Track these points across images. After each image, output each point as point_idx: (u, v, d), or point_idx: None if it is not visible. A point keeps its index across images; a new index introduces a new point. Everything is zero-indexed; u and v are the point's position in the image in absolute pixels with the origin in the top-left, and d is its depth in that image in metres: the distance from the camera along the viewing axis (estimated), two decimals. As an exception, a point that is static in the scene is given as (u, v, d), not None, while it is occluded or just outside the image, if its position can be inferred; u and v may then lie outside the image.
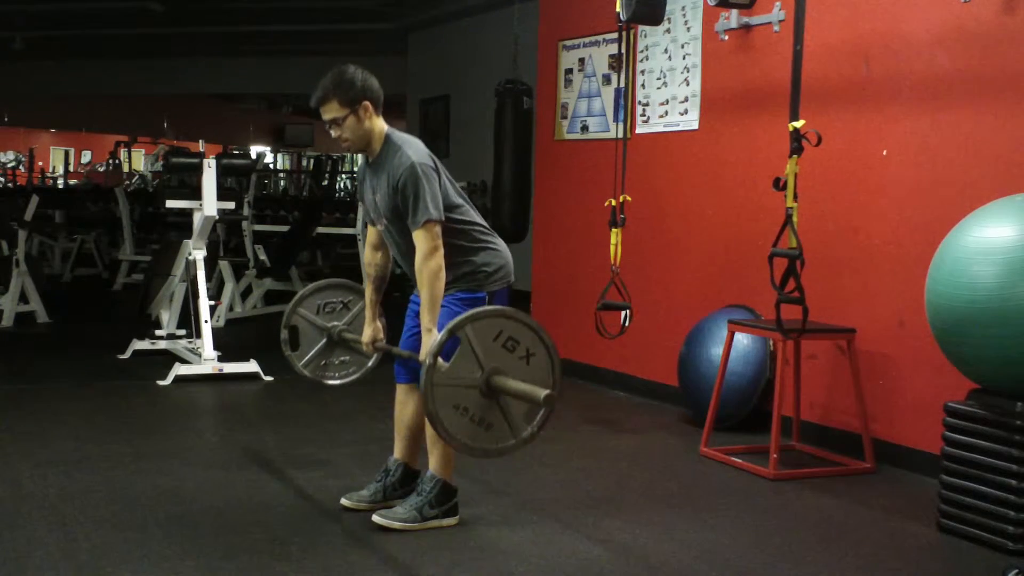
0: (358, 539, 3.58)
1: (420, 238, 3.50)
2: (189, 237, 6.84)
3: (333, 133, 3.64)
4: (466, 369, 3.10)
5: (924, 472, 4.38)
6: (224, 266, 9.11)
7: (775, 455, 4.45)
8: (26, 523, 3.64)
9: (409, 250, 3.58)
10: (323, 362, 4.32)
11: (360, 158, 3.80)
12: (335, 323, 4.29)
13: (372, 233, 3.85)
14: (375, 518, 3.64)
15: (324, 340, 4.29)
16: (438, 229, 3.51)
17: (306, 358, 4.29)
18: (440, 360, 3.08)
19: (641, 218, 5.84)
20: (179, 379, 6.24)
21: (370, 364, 4.35)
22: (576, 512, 3.92)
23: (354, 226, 10.27)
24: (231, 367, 6.42)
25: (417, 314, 3.69)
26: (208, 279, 6.99)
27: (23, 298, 8.59)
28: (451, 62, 13.39)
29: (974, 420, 3.71)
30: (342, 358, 4.34)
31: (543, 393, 3.00)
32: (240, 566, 3.29)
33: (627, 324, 5.35)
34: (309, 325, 4.29)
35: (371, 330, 3.95)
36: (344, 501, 3.85)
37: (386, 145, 3.66)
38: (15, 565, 3.23)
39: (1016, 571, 3.16)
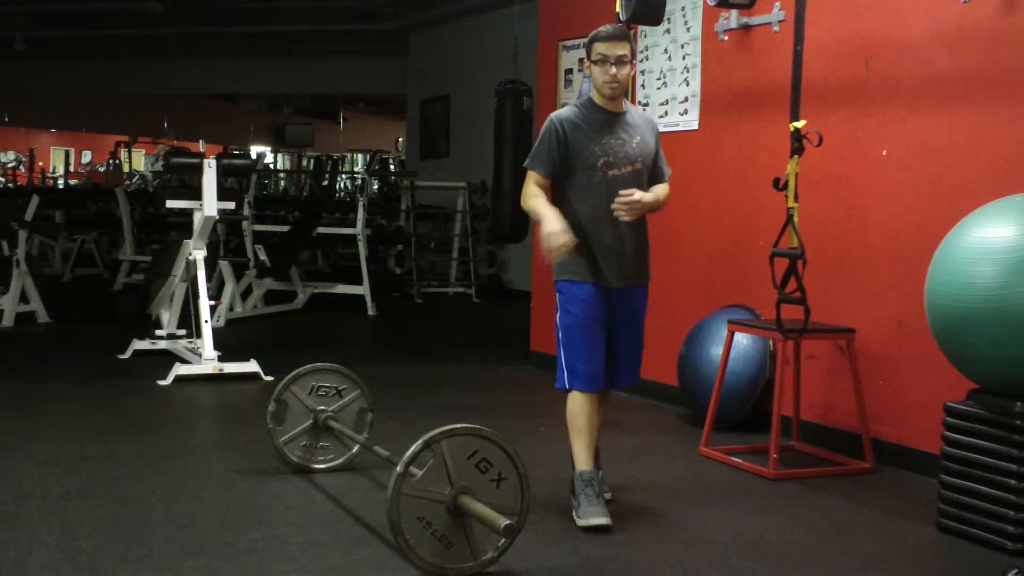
0: (358, 539, 3.58)
1: (666, 184, 3.97)
2: (189, 237, 6.84)
3: (611, 71, 3.78)
4: (436, 483, 3.12)
5: (924, 472, 4.39)
6: (224, 266, 9.12)
7: (775, 455, 4.45)
8: (26, 523, 3.64)
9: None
10: (304, 443, 4.33)
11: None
12: (323, 408, 4.31)
13: (543, 181, 3.87)
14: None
15: (309, 422, 4.30)
16: None
17: (287, 435, 4.30)
18: (412, 469, 3.12)
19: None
20: (179, 379, 6.25)
21: (353, 451, 4.36)
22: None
23: (354, 226, 10.28)
24: (231, 367, 6.42)
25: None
26: (208, 279, 7.00)
27: (23, 298, 8.60)
28: (451, 62, 13.41)
29: (974, 420, 3.71)
30: (323, 444, 4.36)
31: (503, 522, 3.01)
32: (240, 566, 3.29)
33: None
34: (299, 403, 4.31)
35: (568, 233, 3.75)
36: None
37: (626, 103, 3.95)
38: (15, 565, 3.23)
39: (1016, 571, 3.16)
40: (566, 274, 3.87)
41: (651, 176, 3.93)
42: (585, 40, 3.97)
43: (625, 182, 3.80)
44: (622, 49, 3.79)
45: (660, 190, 3.91)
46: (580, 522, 3.71)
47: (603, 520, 3.68)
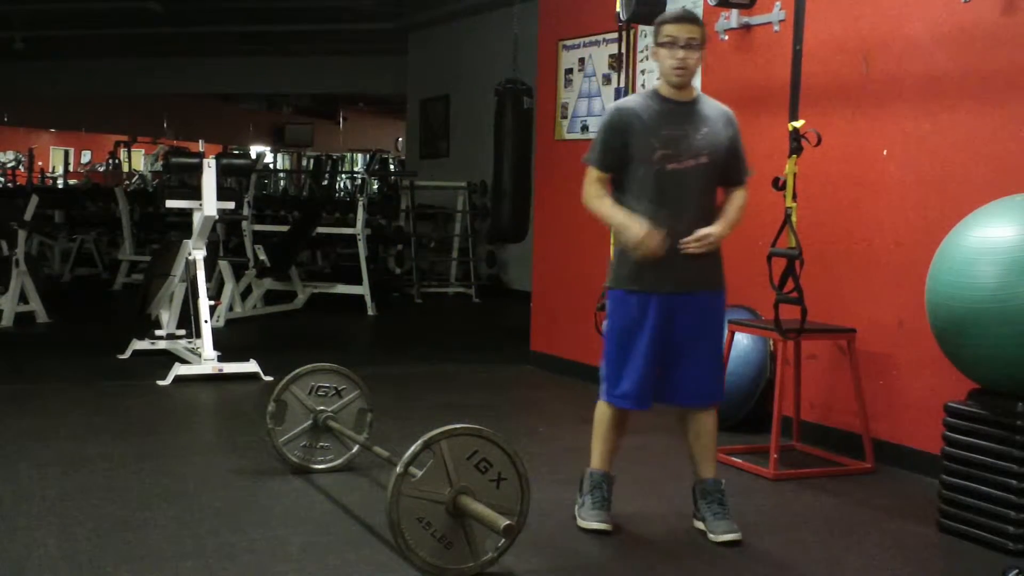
0: (358, 539, 3.58)
1: (744, 190, 3.70)
2: (189, 237, 6.84)
3: (679, 55, 3.52)
4: (436, 484, 3.12)
5: (924, 472, 4.38)
6: (224, 266, 9.11)
7: (775, 455, 4.45)
8: (26, 523, 3.64)
9: (694, 191, 3.57)
10: (303, 443, 4.32)
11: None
12: (323, 408, 4.30)
13: (603, 175, 3.65)
14: (725, 538, 3.61)
15: (309, 422, 4.30)
16: None
17: (287, 435, 4.30)
18: (412, 469, 3.11)
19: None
20: (179, 379, 6.24)
21: (353, 451, 4.36)
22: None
23: (354, 226, 10.28)
24: (231, 367, 6.42)
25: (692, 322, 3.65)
26: (208, 279, 6.99)
27: (23, 298, 8.59)
28: (451, 62, 13.41)
29: (974, 420, 3.71)
30: (323, 444, 4.35)
31: (503, 523, 3.00)
32: (240, 566, 3.29)
33: (627, 324, 5.34)
34: (299, 403, 4.30)
35: (656, 231, 3.50)
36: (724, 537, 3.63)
37: (697, 92, 3.69)
38: (15, 565, 3.23)
39: (1016, 571, 3.16)
40: (615, 282, 3.69)
41: (724, 174, 3.65)
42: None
43: (686, 177, 3.55)
44: (692, 32, 3.52)
45: (732, 210, 3.64)
46: (580, 523, 3.71)
47: (603, 526, 3.67)
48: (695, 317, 3.64)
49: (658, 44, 3.58)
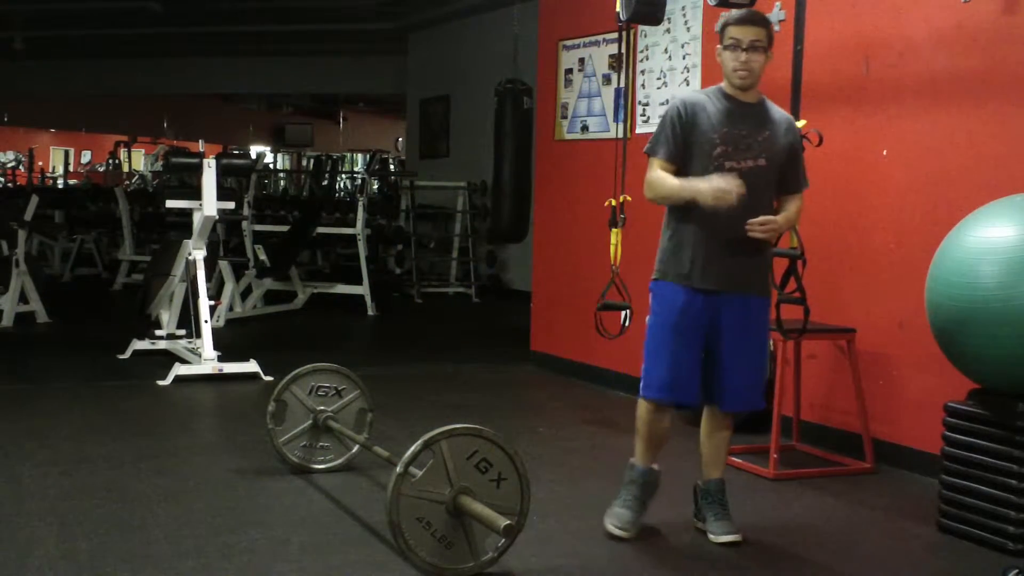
0: (358, 539, 3.58)
1: (800, 198, 3.69)
2: (189, 237, 6.84)
3: (742, 57, 3.50)
4: (436, 483, 3.12)
5: (924, 472, 4.38)
6: (224, 266, 9.11)
7: (775, 455, 4.45)
8: (26, 523, 3.64)
9: (751, 192, 3.45)
10: (303, 443, 4.33)
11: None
12: (323, 408, 4.30)
13: (667, 165, 3.59)
14: (725, 539, 3.60)
15: (309, 422, 4.30)
16: None
17: (288, 435, 4.30)
18: (412, 469, 3.11)
19: (641, 218, 5.83)
20: (179, 379, 6.24)
21: (353, 451, 4.36)
22: (576, 512, 3.92)
23: (354, 226, 10.28)
24: (231, 367, 6.42)
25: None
26: (208, 279, 6.99)
27: (23, 298, 8.59)
28: (451, 62, 13.41)
29: (974, 420, 3.71)
30: (323, 444, 4.36)
31: (503, 523, 3.00)
32: (240, 566, 3.29)
33: (627, 324, 5.34)
34: (299, 403, 4.31)
35: (712, 180, 3.46)
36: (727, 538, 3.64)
37: (761, 96, 3.64)
38: (15, 565, 3.23)
39: (1016, 571, 3.16)
40: (663, 274, 3.66)
41: (782, 182, 3.63)
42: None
43: (743, 177, 3.45)
44: (756, 35, 3.49)
45: (792, 208, 3.64)
46: (605, 518, 3.70)
47: (618, 531, 3.65)
48: (740, 320, 3.60)
49: (723, 46, 3.55)
